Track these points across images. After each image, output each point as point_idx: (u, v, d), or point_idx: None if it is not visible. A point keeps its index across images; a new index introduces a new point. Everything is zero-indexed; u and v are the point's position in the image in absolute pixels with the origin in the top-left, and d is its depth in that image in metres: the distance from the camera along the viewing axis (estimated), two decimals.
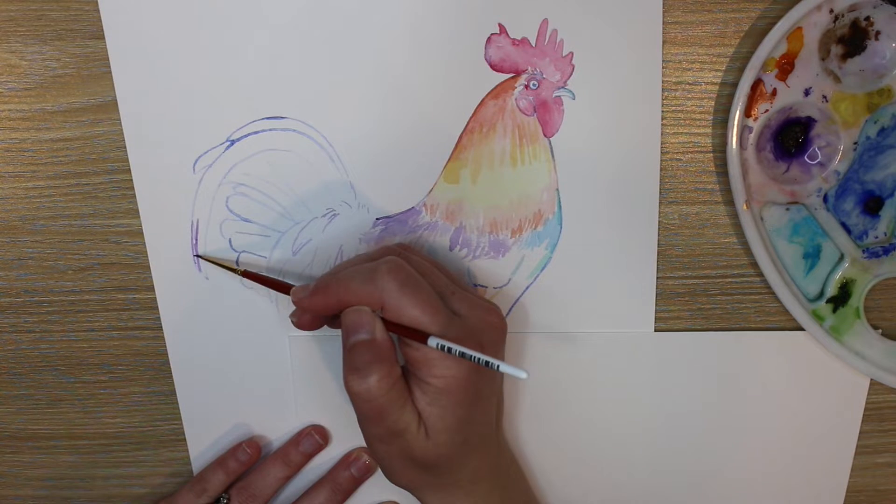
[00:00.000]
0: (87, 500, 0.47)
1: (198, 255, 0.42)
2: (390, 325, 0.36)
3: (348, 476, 0.46)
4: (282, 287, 0.40)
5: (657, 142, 0.42)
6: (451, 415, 0.37)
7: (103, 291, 0.43)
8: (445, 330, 0.36)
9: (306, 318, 0.39)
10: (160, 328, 0.44)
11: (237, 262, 0.43)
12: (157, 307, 0.43)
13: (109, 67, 0.40)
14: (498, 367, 0.34)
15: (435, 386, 0.37)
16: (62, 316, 0.44)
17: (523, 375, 0.34)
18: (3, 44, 0.40)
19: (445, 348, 0.35)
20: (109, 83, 0.40)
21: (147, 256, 0.43)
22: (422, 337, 0.35)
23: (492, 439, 0.41)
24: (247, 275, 0.41)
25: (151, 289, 0.43)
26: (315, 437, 0.45)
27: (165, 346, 0.44)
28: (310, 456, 0.46)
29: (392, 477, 0.40)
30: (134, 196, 0.42)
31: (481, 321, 0.38)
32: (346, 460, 0.46)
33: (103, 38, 0.40)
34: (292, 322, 0.39)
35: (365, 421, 0.38)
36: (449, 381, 0.36)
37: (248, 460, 0.45)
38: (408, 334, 0.36)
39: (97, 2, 0.39)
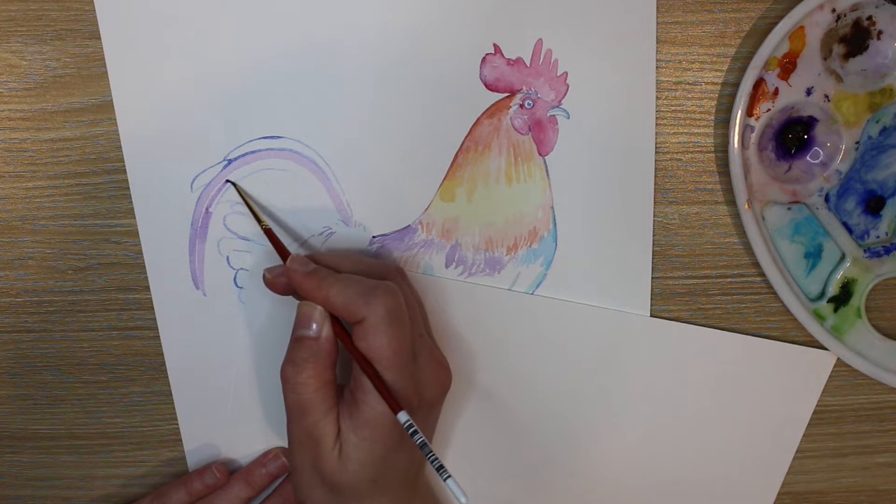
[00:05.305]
0: (87, 500, 0.47)
1: (228, 181, 0.41)
2: (350, 346, 0.37)
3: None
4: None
5: (651, 161, 0.42)
6: (367, 449, 0.36)
7: (103, 291, 0.43)
8: (397, 378, 0.36)
9: (281, 284, 0.39)
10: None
11: (234, 280, 0.43)
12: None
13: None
14: (446, 479, 0.34)
15: (363, 414, 0.36)
16: (62, 316, 0.44)
17: (463, 500, 0.34)
18: (3, 44, 0.40)
19: (408, 427, 0.35)
20: (109, 83, 0.40)
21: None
22: (372, 373, 0.36)
23: (409, 486, 0.40)
24: (268, 233, 0.40)
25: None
26: (283, 459, 0.44)
27: None
28: (275, 477, 0.44)
29: (299, 490, 0.39)
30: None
31: (431, 373, 0.38)
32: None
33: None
34: (264, 276, 0.39)
35: (290, 417, 0.38)
36: (377, 415, 0.36)
37: (214, 484, 0.43)
38: (361, 363, 0.36)
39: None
